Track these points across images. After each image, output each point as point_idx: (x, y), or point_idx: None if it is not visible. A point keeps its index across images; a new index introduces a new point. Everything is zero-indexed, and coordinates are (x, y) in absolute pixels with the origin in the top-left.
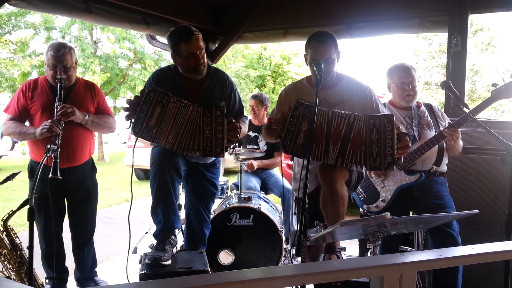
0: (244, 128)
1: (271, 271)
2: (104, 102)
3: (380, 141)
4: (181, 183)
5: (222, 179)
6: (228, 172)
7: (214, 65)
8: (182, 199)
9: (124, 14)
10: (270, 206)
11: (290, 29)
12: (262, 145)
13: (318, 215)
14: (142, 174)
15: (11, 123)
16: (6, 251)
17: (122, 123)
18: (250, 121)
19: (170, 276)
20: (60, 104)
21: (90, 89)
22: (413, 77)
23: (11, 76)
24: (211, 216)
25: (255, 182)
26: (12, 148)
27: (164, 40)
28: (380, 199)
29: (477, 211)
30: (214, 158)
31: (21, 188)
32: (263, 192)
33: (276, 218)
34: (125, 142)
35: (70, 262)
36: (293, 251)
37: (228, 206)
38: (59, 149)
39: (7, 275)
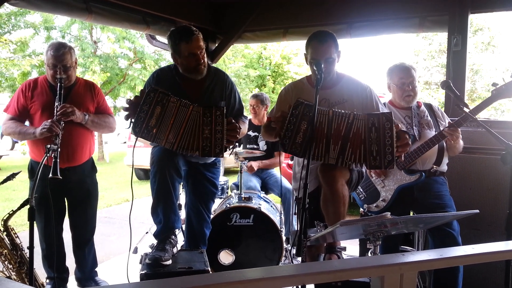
0: (244, 128)
1: (272, 271)
2: (104, 102)
3: (379, 139)
4: (181, 183)
5: (222, 179)
6: (228, 172)
7: (214, 65)
8: (182, 199)
9: (124, 13)
10: (271, 206)
11: (290, 28)
12: (262, 144)
13: (319, 215)
14: (142, 174)
15: (11, 123)
16: (6, 251)
17: (122, 123)
18: (250, 120)
19: (171, 276)
20: (60, 103)
21: (90, 88)
22: (413, 77)
23: (11, 75)
24: (211, 216)
25: (255, 182)
26: (12, 148)
27: (164, 39)
28: (381, 199)
29: (477, 211)
30: (214, 158)
31: (21, 188)
32: (263, 192)
33: (277, 218)
34: (125, 142)
35: (70, 262)
36: (294, 251)
37: (228, 206)
38: (59, 149)
39: (8, 275)
